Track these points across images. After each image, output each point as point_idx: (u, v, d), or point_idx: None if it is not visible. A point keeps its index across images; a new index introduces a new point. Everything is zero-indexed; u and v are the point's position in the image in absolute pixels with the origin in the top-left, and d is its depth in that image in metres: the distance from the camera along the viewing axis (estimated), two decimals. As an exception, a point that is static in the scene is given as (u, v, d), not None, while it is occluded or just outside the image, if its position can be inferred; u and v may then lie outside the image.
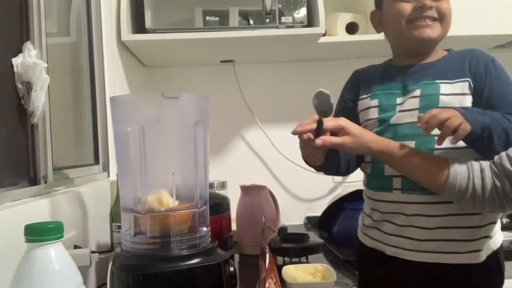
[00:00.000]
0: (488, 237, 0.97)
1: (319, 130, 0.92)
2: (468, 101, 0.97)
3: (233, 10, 1.43)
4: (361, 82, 1.12)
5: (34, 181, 0.90)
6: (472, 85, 0.98)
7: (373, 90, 1.07)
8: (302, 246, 1.23)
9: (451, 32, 1.39)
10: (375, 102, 1.05)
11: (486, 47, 1.77)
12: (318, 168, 1.08)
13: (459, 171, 0.88)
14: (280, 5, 1.43)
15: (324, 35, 1.53)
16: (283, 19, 1.44)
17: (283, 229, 1.50)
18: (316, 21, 1.45)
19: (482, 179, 0.88)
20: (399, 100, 1.02)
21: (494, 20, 1.54)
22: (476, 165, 0.89)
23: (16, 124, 0.86)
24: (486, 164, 0.89)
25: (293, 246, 1.22)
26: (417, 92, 1.00)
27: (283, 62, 1.92)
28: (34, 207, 0.81)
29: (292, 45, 1.61)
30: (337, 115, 1.13)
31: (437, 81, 0.99)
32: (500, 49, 1.82)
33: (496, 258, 0.99)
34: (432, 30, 1.00)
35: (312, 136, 0.93)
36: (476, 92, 0.98)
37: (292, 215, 1.84)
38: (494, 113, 0.92)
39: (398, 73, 1.05)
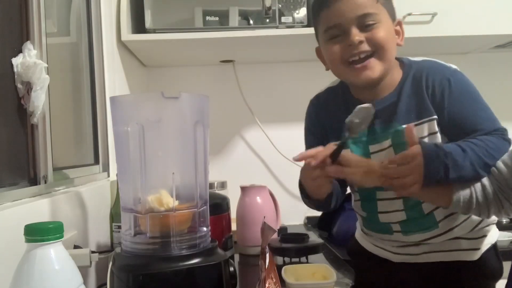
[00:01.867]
0: (485, 236, 0.99)
1: (336, 156, 0.86)
2: (438, 135, 0.91)
3: (233, 10, 1.43)
4: (326, 120, 1.04)
5: (34, 181, 0.90)
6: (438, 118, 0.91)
7: (343, 139, 0.92)
8: (302, 246, 1.22)
9: (452, 32, 1.39)
10: (348, 151, 0.95)
11: (486, 47, 1.78)
12: (321, 204, 1.00)
13: (462, 193, 0.88)
14: (280, 5, 1.43)
15: (324, 35, 1.53)
16: (283, 19, 1.44)
17: (283, 229, 1.49)
18: (316, 21, 1.45)
19: (483, 189, 0.87)
20: (371, 147, 0.96)
21: (494, 20, 1.54)
22: (477, 185, 0.88)
23: (16, 124, 0.86)
24: (486, 179, 0.88)
25: (293, 246, 1.22)
26: (388, 142, 0.93)
27: (283, 62, 1.92)
28: (34, 207, 0.81)
29: (292, 45, 1.61)
30: (309, 136, 1.10)
31: (404, 125, 0.90)
32: (500, 49, 1.82)
33: (494, 251, 1.00)
34: (370, 71, 0.90)
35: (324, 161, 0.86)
36: (440, 122, 0.91)
37: (292, 215, 1.84)
38: (461, 149, 0.85)
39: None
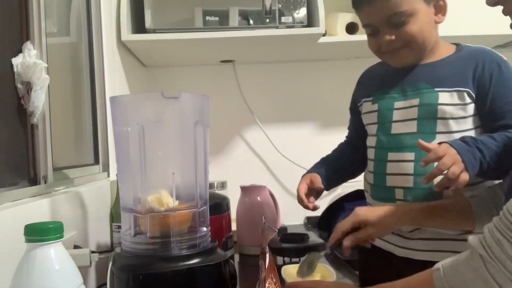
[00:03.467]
0: None
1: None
2: (470, 110, 0.95)
3: (233, 10, 1.43)
4: (367, 83, 1.13)
5: (34, 181, 0.90)
6: (473, 94, 0.95)
7: (374, 94, 1.07)
8: (302, 246, 1.22)
9: (452, 32, 1.39)
10: (375, 106, 1.06)
11: (486, 47, 1.77)
12: None
13: (478, 208, 0.88)
14: (280, 5, 1.43)
15: (324, 35, 1.53)
16: (283, 19, 1.44)
17: (283, 229, 1.50)
18: (316, 21, 1.45)
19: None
20: (396, 104, 1.01)
21: (494, 20, 1.53)
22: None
23: (16, 124, 0.86)
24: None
25: (293, 246, 1.22)
26: (416, 101, 0.98)
27: (283, 62, 1.92)
28: (34, 207, 0.81)
29: (292, 45, 1.61)
30: (351, 115, 1.19)
31: (436, 89, 0.96)
32: (500, 49, 1.81)
33: None
34: (403, 58, 0.98)
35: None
36: (478, 100, 0.95)
37: (292, 215, 1.83)
38: (495, 140, 0.88)
39: (397, 75, 1.04)
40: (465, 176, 0.84)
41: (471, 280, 0.64)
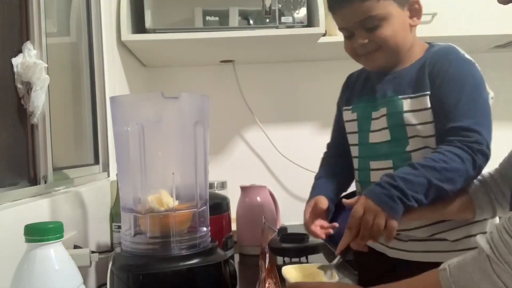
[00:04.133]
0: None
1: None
2: (431, 115, 0.93)
3: (233, 10, 1.43)
4: (348, 90, 1.13)
5: (34, 181, 0.90)
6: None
7: (354, 102, 1.07)
8: (302, 246, 1.22)
9: (452, 32, 1.39)
10: (354, 115, 1.06)
11: (486, 47, 1.77)
12: None
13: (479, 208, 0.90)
14: (280, 5, 1.43)
15: (324, 35, 1.53)
16: (283, 19, 1.44)
17: (283, 229, 1.49)
18: (316, 21, 1.45)
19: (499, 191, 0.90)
20: (373, 114, 1.01)
21: (494, 20, 1.54)
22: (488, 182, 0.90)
23: (16, 124, 0.86)
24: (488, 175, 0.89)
25: (293, 246, 1.22)
26: (384, 110, 0.98)
27: (283, 62, 1.92)
28: (34, 207, 0.81)
29: (292, 45, 1.61)
30: (334, 125, 1.18)
31: (400, 96, 0.96)
32: (500, 49, 1.82)
33: None
34: (376, 61, 0.98)
35: None
36: (431, 101, 0.93)
37: (292, 215, 1.83)
38: (415, 168, 0.86)
39: (372, 84, 1.04)
40: (392, 224, 0.84)
41: (477, 280, 0.64)
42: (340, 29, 1.01)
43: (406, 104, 0.95)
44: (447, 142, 0.88)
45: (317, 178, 1.16)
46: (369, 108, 1.02)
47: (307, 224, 1.05)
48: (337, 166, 1.14)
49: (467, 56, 0.95)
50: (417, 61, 0.99)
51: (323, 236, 1.02)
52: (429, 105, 0.93)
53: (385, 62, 0.99)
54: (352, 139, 1.08)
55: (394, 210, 0.84)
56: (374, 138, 1.01)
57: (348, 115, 1.08)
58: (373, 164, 1.02)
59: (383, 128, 0.99)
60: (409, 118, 0.94)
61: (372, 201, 0.85)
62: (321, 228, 1.03)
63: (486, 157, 0.87)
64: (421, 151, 0.95)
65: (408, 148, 0.96)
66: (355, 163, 1.08)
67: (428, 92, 0.93)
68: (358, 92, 1.08)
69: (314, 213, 1.05)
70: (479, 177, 0.93)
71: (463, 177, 0.86)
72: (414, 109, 0.94)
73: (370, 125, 1.02)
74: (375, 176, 1.01)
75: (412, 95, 0.95)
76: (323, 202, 1.05)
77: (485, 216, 0.92)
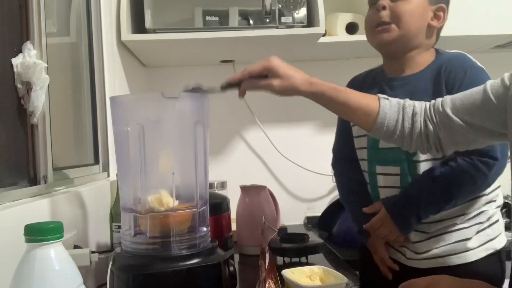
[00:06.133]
0: (491, 238, 0.99)
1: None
2: None
3: (233, 10, 1.43)
4: None
5: (34, 181, 0.90)
6: None
7: None
8: (302, 246, 1.22)
9: (451, 32, 1.39)
10: None
11: (486, 47, 1.77)
12: None
13: (388, 114, 0.85)
14: (280, 5, 1.43)
15: (324, 35, 1.53)
16: (283, 19, 1.44)
17: (283, 229, 1.50)
18: (316, 21, 1.45)
19: (413, 123, 0.84)
20: None
21: (494, 20, 1.54)
22: (409, 107, 0.85)
23: (16, 124, 0.86)
24: (420, 107, 0.85)
25: (293, 246, 1.22)
26: None
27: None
28: (34, 207, 0.81)
29: (292, 45, 1.61)
30: (338, 129, 1.20)
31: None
32: (500, 49, 1.82)
33: (498, 257, 1.00)
34: (387, 34, 0.99)
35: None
36: None
37: (292, 215, 1.84)
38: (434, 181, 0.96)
39: (381, 88, 1.05)
40: (402, 239, 1.01)
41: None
42: None
43: None
44: (461, 156, 0.94)
45: (349, 201, 1.18)
46: None
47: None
48: (355, 173, 1.14)
49: (478, 63, 0.98)
50: (428, 67, 1.01)
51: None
52: None
53: (395, 40, 1.00)
54: (361, 142, 1.08)
55: (406, 231, 0.99)
56: (383, 143, 1.01)
57: None
58: (380, 169, 1.04)
59: None
60: None
61: (391, 219, 0.98)
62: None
63: (495, 168, 0.93)
64: (429, 162, 0.98)
65: (416, 158, 0.98)
66: (364, 165, 1.10)
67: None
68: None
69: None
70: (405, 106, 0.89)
71: (471, 193, 0.97)
72: None
73: None
74: (381, 181, 1.03)
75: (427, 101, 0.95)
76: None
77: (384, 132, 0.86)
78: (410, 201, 0.97)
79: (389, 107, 0.85)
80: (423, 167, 0.98)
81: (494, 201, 1.01)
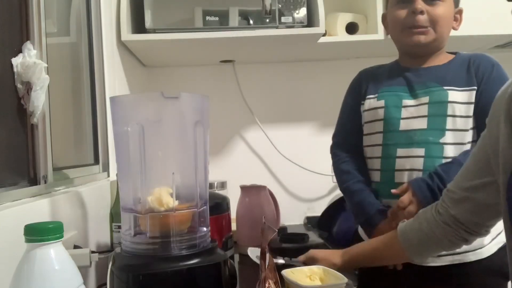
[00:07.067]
0: (499, 231, 1.00)
1: None
2: (472, 109, 1.00)
3: (233, 10, 1.43)
4: (368, 81, 1.14)
5: (34, 181, 0.90)
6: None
7: (380, 91, 1.08)
8: (302, 246, 1.22)
9: (451, 32, 1.39)
10: (381, 102, 1.07)
11: (486, 47, 1.77)
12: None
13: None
14: (280, 5, 1.43)
15: (324, 35, 1.53)
16: (283, 19, 1.44)
17: (283, 229, 1.50)
18: (316, 21, 1.45)
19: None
20: (405, 102, 1.04)
21: (494, 20, 1.54)
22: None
23: (16, 124, 0.86)
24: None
25: (293, 246, 1.22)
26: (426, 99, 1.02)
27: (283, 62, 1.92)
28: (34, 207, 0.81)
29: (292, 45, 1.61)
30: (341, 117, 1.20)
31: (445, 87, 1.01)
32: (500, 49, 1.82)
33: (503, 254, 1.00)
34: (424, 36, 1.03)
35: None
36: (475, 99, 1.01)
37: (292, 215, 1.84)
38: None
39: (404, 75, 1.07)
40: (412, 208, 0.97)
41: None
42: None
43: (452, 95, 1.00)
44: None
45: (357, 189, 1.13)
46: (399, 96, 1.05)
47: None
48: (360, 162, 1.15)
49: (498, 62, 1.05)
50: (453, 60, 1.06)
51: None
52: (473, 100, 1.00)
53: (430, 43, 1.04)
54: (375, 127, 1.08)
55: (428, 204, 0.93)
56: (406, 125, 1.03)
57: (372, 103, 1.09)
58: (401, 152, 1.03)
59: (421, 116, 1.02)
60: (454, 108, 1.00)
61: (418, 198, 0.96)
62: None
63: None
64: (454, 145, 0.99)
65: (443, 140, 0.99)
66: (377, 151, 1.08)
67: (476, 87, 1.00)
68: (385, 82, 1.10)
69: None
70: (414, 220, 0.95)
71: None
72: (461, 101, 1.00)
73: (400, 113, 1.04)
74: (401, 164, 1.03)
75: (459, 88, 1.01)
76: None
77: (425, 257, 0.94)
78: (440, 180, 0.96)
79: (407, 233, 0.92)
80: (449, 150, 0.99)
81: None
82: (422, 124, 1.01)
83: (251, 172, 1.88)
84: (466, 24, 1.53)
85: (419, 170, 1.00)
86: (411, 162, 1.01)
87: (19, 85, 0.83)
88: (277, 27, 1.44)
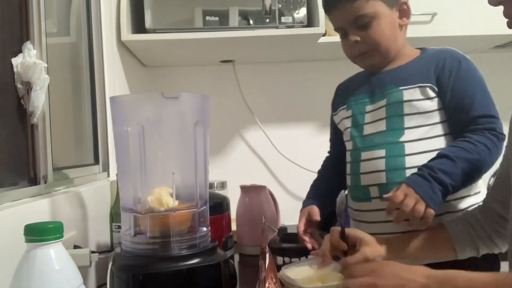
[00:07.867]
0: None
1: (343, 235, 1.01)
2: (435, 105, 0.99)
3: (233, 10, 1.43)
4: (340, 95, 1.18)
5: (34, 181, 0.90)
6: (436, 88, 0.99)
7: (348, 102, 1.12)
8: (302, 246, 1.22)
9: (451, 33, 1.39)
10: (349, 112, 1.11)
11: (486, 47, 1.77)
12: None
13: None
14: (280, 5, 1.43)
15: (324, 35, 1.53)
16: (283, 19, 1.44)
17: (283, 229, 1.49)
18: (316, 21, 1.45)
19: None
20: (367, 108, 1.07)
21: (494, 20, 1.53)
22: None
23: (16, 124, 0.86)
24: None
25: (293, 246, 1.22)
26: (383, 102, 1.03)
27: (283, 62, 1.92)
28: (34, 207, 0.81)
29: (292, 45, 1.61)
30: (332, 132, 1.24)
31: (400, 87, 1.01)
32: (500, 49, 1.82)
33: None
34: (370, 59, 1.04)
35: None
36: (441, 94, 0.99)
37: (292, 215, 1.83)
38: (454, 161, 0.92)
39: (367, 82, 1.09)
40: (431, 212, 0.90)
41: None
42: (336, 29, 1.07)
43: (407, 93, 1.00)
44: (472, 132, 0.94)
45: (315, 183, 1.23)
46: (363, 103, 1.08)
47: (298, 229, 1.11)
48: (332, 173, 1.20)
49: (466, 56, 1.02)
50: (417, 58, 1.05)
51: (309, 247, 1.08)
52: (431, 95, 0.99)
53: (379, 61, 1.05)
54: (347, 135, 1.12)
55: (433, 201, 0.89)
56: (368, 130, 1.05)
57: (343, 113, 1.13)
58: (364, 155, 1.05)
59: (379, 119, 1.03)
60: (409, 106, 1.00)
61: (413, 190, 0.90)
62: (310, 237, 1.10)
63: (504, 141, 0.94)
64: (416, 142, 0.99)
65: (403, 138, 1.00)
66: (348, 157, 1.11)
67: (431, 84, 0.99)
68: (352, 92, 1.12)
69: (308, 222, 1.12)
70: (459, 214, 0.97)
71: (489, 167, 0.94)
72: (415, 98, 0.99)
73: (364, 119, 1.07)
74: (365, 167, 1.04)
75: (413, 86, 1.00)
76: (316, 214, 1.11)
77: (468, 254, 0.94)
78: (429, 169, 0.92)
79: (457, 228, 0.92)
80: (410, 147, 0.99)
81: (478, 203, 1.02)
82: (381, 126, 1.03)
83: (251, 172, 1.88)
84: (466, 24, 1.54)
85: (382, 170, 1.01)
86: (374, 163, 1.02)
87: (19, 85, 0.83)
88: (277, 27, 1.44)
